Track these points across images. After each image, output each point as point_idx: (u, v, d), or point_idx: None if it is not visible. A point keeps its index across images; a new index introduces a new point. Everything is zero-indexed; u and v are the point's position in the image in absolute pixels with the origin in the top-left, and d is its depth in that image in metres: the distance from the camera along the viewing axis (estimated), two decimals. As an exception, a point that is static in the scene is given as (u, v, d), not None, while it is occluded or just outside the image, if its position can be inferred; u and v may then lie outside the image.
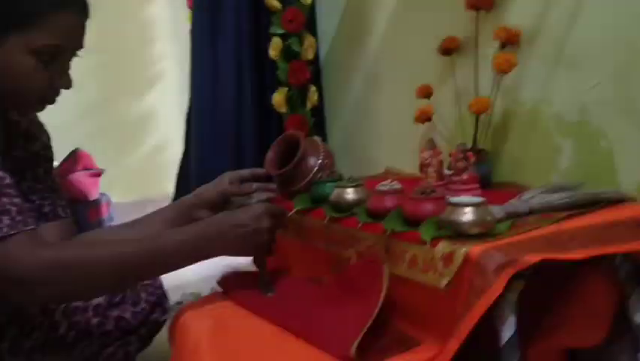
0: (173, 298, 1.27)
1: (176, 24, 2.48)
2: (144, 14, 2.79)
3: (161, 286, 1.20)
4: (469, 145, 1.31)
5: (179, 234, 1.05)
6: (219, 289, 1.25)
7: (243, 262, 1.20)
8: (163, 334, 1.20)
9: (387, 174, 1.57)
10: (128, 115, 2.61)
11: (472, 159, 1.25)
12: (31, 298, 0.96)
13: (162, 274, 1.10)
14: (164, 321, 1.18)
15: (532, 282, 0.93)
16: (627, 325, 1.03)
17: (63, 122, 1.11)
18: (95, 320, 1.11)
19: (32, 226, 0.92)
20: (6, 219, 0.90)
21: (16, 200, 0.94)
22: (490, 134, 1.34)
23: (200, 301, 1.22)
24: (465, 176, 1.23)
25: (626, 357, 1.07)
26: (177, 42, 2.49)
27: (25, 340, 1.07)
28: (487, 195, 1.13)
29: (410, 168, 1.44)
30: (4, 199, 0.93)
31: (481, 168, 1.28)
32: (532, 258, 0.82)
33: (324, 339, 0.95)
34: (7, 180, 0.95)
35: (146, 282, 1.19)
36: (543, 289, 1.04)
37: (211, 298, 1.23)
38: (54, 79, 0.99)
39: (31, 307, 1.06)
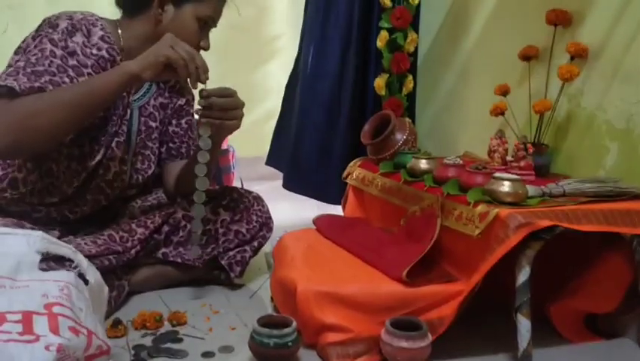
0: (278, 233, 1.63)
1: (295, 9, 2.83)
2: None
3: (268, 212, 1.59)
4: (531, 139, 1.56)
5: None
6: (313, 227, 1.61)
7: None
8: (267, 250, 1.60)
9: (464, 157, 1.85)
10: (246, 85, 3.06)
11: (531, 150, 1.51)
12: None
13: (97, 104, 1.22)
14: (269, 237, 1.57)
15: (556, 249, 1.20)
16: (638, 300, 1.26)
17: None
18: (221, 230, 1.52)
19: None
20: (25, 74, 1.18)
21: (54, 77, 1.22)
22: (553, 132, 1.57)
23: (298, 231, 1.59)
24: (522, 163, 1.49)
25: (634, 327, 1.30)
26: (294, 24, 2.82)
27: (174, 236, 1.50)
28: (538, 180, 1.40)
29: (484, 154, 1.70)
30: (53, 69, 1.22)
31: (540, 159, 1.52)
32: (545, 223, 1.09)
33: (385, 266, 1.28)
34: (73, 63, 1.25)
35: (256, 207, 1.57)
36: (567, 258, 1.30)
37: (306, 230, 1.60)
38: (202, 41, 1.41)
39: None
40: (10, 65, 1.24)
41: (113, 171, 1.40)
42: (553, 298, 1.34)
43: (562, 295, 1.34)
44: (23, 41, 1.30)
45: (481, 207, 1.18)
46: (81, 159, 1.34)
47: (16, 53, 1.29)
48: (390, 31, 2.01)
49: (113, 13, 1.41)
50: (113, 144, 1.37)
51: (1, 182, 1.34)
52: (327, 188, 2.26)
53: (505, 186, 1.17)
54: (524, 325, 1.11)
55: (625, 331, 1.31)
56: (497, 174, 1.21)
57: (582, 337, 1.29)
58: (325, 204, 2.18)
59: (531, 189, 1.23)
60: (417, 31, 2.06)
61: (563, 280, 1.34)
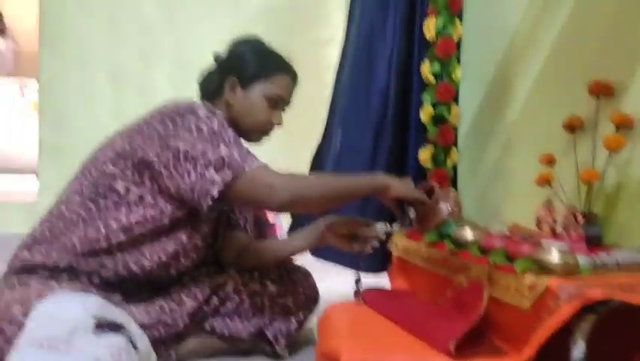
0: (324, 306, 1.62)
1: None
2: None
3: (315, 286, 1.59)
4: (580, 210, 1.53)
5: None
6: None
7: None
8: (313, 322, 1.59)
9: (511, 229, 1.82)
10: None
11: (581, 221, 1.48)
12: (273, 200, 1.31)
13: (346, 200, 1.40)
14: (315, 309, 1.56)
15: (614, 324, 1.15)
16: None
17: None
18: (267, 303, 1.53)
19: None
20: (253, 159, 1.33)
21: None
22: (602, 202, 1.54)
23: (343, 304, 1.58)
24: (573, 234, 1.47)
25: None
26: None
27: (222, 307, 1.52)
28: (589, 251, 1.36)
29: (531, 225, 1.67)
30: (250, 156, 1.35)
31: (591, 229, 1.48)
32: (597, 294, 1.06)
33: (432, 338, 1.25)
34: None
35: (304, 282, 1.58)
36: (627, 334, 1.24)
37: (352, 303, 1.58)
38: (273, 117, 1.48)
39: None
40: (205, 153, 1.29)
41: (193, 243, 1.43)
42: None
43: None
44: (164, 129, 1.34)
45: (529, 278, 1.15)
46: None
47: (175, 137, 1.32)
48: (434, 105, 2.06)
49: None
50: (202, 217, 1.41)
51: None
52: (363, 256, 2.23)
53: (555, 256, 1.15)
54: (581, 403, 1.06)
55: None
56: (545, 243, 1.19)
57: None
58: (367, 275, 2.16)
59: (582, 259, 1.20)
60: (457, 103, 2.10)
61: (616, 355, 1.27)
